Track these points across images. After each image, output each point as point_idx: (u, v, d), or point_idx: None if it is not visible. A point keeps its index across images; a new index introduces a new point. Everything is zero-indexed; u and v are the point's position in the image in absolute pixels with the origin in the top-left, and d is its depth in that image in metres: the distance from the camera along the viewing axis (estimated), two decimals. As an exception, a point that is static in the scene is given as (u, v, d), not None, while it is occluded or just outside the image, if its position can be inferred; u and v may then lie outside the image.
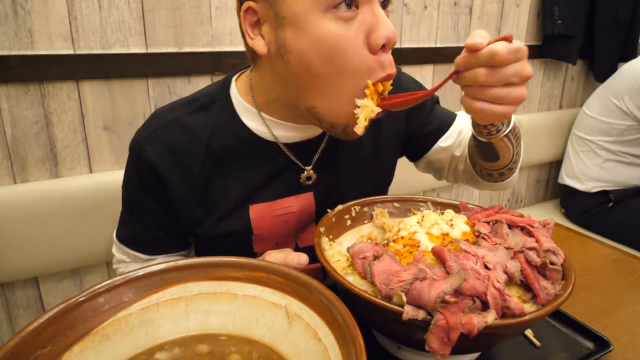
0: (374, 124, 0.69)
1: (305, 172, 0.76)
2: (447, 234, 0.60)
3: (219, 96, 0.74)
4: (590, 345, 0.63)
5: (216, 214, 0.74)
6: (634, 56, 1.95)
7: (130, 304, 0.49)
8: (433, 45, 1.65)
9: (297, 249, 0.79)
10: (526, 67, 0.55)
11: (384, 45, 0.60)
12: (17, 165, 1.07)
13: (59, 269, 1.15)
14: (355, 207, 0.74)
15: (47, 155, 1.10)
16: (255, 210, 0.74)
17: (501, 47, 0.52)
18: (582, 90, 2.23)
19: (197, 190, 0.72)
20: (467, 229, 0.62)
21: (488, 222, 0.64)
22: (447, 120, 0.91)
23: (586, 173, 1.83)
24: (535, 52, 1.94)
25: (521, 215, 0.64)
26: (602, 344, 0.63)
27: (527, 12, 1.87)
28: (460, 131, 0.91)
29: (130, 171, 0.74)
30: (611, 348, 0.62)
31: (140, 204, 0.75)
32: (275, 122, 0.72)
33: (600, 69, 2.06)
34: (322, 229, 0.66)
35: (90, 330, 0.46)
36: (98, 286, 0.48)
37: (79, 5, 1.04)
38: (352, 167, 0.81)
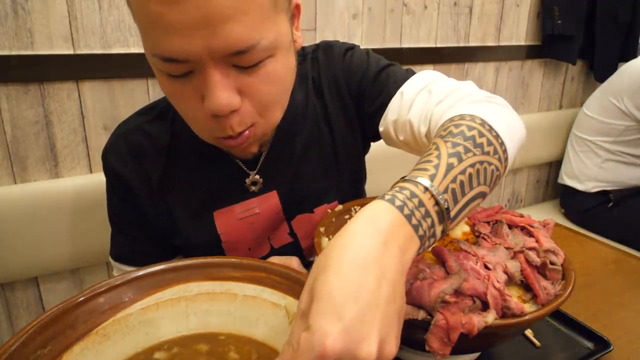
0: (325, 116, 0.74)
1: (250, 177, 0.75)
2: (447, 234, 0.60)
3: None
4: (590, 345, 0.63)
5: (182, 221, 0.75)
6: (634, 56, 1.95)
7: (130, 304, 0.49)
8: (433, 45, 1.65)
9: (272, 251, 0.79)
10: None
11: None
12: (17, 165, 1.07)
13: (59, 269, 1.15)
14: (356, 207, 0.74)
15: (47, 155, 1.10)
16: (220, 216, 0.75)
17: None
18: (582, 90, 2.23)
19: (160, 195, 0.73)
20: (467, 229, 0.62)
21: (488, 222, 0.64)
22: (389, 92, 0.73)
23: (586, 173, 1.83)
24: (535, 52, 1.94)
25: (521, 215, 0.64)
26: (602, 344, 0.63)
27: (527, 12, 1.87)
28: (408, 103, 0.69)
29: (106, 184, 0.76)
30: (611, 348, 0.62)
31: (120, 215, 0.76)
32: None
33: (600, 69, 2.06)
34: (322, 229, 0.66)
35: (90, 330, 0.46)
36: (98, 286, 0.48)
37: (79, 5, 1.04)
38: (313, 160, 0.78)
